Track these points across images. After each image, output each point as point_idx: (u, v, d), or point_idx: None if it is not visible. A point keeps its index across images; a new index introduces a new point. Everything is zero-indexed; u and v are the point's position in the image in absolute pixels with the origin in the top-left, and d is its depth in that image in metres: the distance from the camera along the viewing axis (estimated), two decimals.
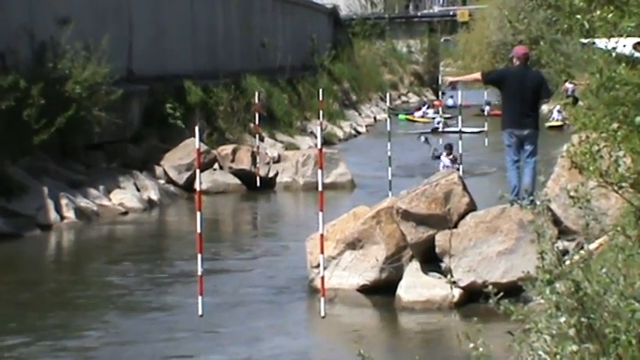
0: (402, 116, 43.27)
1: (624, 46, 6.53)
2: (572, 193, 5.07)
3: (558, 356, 4.34)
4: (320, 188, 11.60)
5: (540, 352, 4.40)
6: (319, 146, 12.03)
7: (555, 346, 4.39)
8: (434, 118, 39.96)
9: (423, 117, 43.52)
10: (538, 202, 5.17)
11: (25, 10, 20.39)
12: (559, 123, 36.31)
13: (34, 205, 17.74)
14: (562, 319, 4.40)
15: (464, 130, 20.33)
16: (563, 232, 11.25)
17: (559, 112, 37.91)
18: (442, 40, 62.05)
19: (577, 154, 6.54)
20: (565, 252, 8.12)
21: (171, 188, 22.17)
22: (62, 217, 17.95)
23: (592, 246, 7.73)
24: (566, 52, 29.36)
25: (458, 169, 20.73)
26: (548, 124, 36.09)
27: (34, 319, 11.66)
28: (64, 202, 18.17)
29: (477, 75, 13.59)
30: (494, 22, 47.41)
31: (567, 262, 4.76)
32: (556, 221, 11.27)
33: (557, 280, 4.63)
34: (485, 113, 39.67)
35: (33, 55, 19.82)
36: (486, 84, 12.90)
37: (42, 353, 10.26)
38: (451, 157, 23.24)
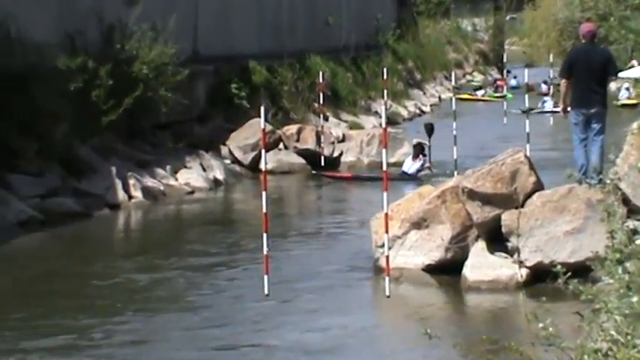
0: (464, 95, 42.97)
1: None
2: None
3: (629, 337, 4.31)
4: (384, 168, 11.62)
5: (612, 332, 4.37)
6: (384, 126, 12.04)
7: (627, 326, 4.35)
8: (503, 96, 39.59)
9: (484, 96, 43.20)
10: (607, 181, 5.12)
11: None
12: (634, 101, 35.68)
13: (103, 184, 17.96)
14: (635, 299, 4.36)
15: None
16: (632, 211, 11.14)
17: (627, 89, 37.39)
18: (508, 18, 61.48)
19: None
20: (635, 231, 8.06)
21: (237, 168, 22.30)
22: (130, 197, 18.16)
23: None
24: (635, 29, 28.93)
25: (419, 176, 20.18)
26: (620, 102, 35.54)
27: (106, 297, 11.84)
28: (131, 181, 18.38)
29: (563, 82, 13.02)
30: None
31: (637, 242, 4.72)
32: (625, 200, 11.16)
33: (627, 260, 4.59)
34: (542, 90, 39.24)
35: (101, 36, 20.02)
36: (568, 78, 12.55)
37: (118, 330, 10.43)
38: (420, 160, 21.47)
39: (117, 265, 13.78)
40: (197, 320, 10.77)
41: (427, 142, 21.95)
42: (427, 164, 21.59)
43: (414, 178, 20.64)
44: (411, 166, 21.42)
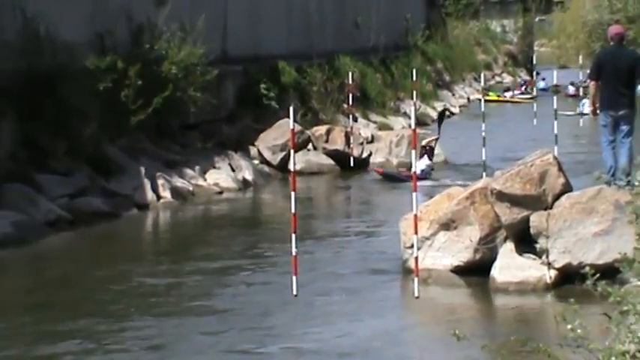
0: (492, 94, 42.80)
1: None
2: None
3: None
4: (413, 169, 11.63)
5: None
6: (413, 126, 12.04)
7: None
8: (533, 98, 39.41)
9: (512, 97, 43.02)
10: (636, 183, 5.10)
11: None
12: None
13: (132, 184, 18.02)
14: None
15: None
16: None
17: None
18: (537, 19, 61.24)
19: None
20: None
21: (266, 168, 22.32)
22: (159, 197, 18.21)
23: None
24: None
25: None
26: None
27: (128, 299, 11.89)
28: (160, 182, 18.44)
29: (592, 83, 13.09)
30: (590, 1, 46.59)
31: None
32: None
33: None
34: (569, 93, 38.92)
35: (130, 36, 20.11)
36: (597, 80, 12.55)
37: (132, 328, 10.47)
38: (424, 160, 20.99)
39: (143, 266, 13.79)
40: (226, 323, 10.78)
41: (437, 134, 21.82)
42: (431, 164, 21.37)
43: (418, 179, 20.41)
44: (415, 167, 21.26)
